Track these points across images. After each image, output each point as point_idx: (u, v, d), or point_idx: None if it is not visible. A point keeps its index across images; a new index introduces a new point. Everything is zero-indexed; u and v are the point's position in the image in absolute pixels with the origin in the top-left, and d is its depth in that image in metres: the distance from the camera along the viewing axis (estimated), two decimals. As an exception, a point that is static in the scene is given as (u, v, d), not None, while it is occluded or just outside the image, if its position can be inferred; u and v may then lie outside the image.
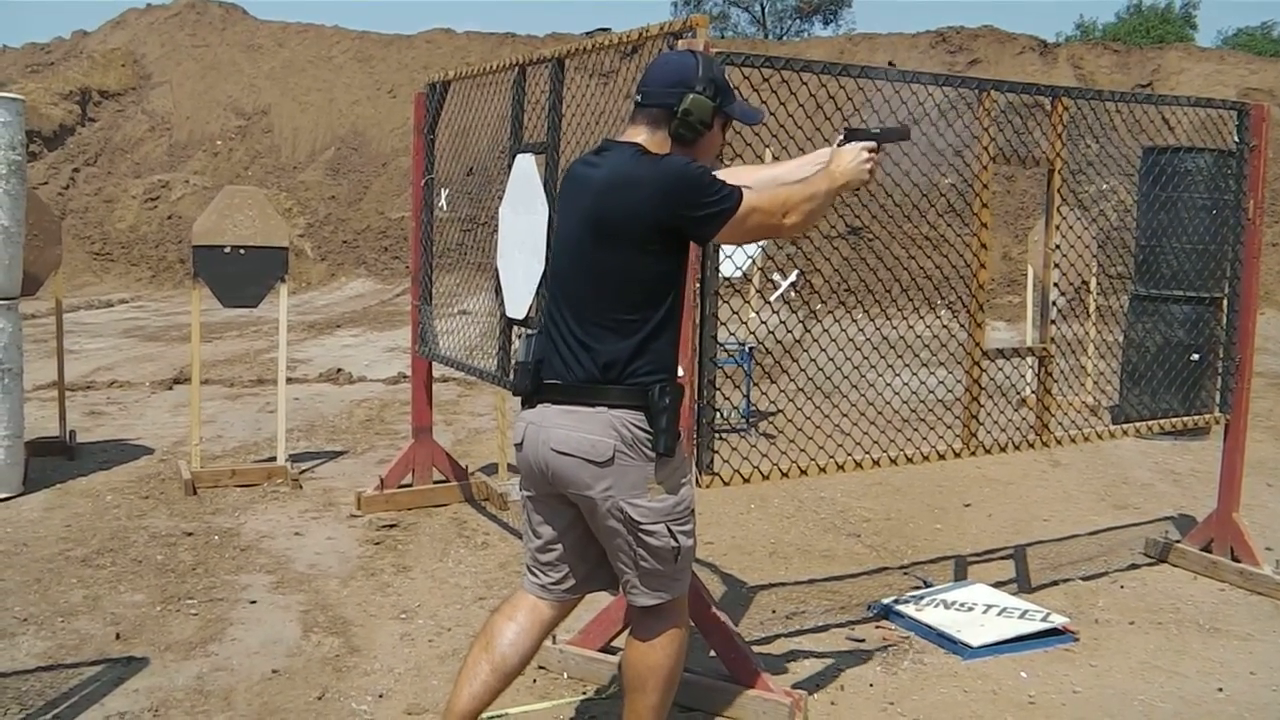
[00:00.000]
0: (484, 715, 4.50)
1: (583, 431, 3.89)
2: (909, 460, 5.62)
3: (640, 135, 4.00)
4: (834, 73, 5.32)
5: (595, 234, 3.90)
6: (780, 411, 5.64)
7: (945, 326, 6.82)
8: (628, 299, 3.90)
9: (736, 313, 5.35)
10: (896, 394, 6.43)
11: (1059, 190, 6.15)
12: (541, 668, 5.30)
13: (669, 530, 3.95)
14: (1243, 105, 6.96)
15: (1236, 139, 6.88)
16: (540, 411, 3.99)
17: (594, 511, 3.95)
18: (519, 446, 4.07)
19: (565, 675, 5.24)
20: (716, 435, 5.08)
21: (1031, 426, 6.13)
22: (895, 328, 7.13)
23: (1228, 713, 5.14)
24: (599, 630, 5.25)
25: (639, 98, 4.02)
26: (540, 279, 6.27)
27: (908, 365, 6.33)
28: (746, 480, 5.15)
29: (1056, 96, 6.13)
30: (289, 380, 10.30)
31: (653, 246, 3.87)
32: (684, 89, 3.95)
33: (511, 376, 4.19)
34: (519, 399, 4.09)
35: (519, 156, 6.58)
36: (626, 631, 4.26)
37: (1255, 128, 6.82)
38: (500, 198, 6.75)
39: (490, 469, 8.72)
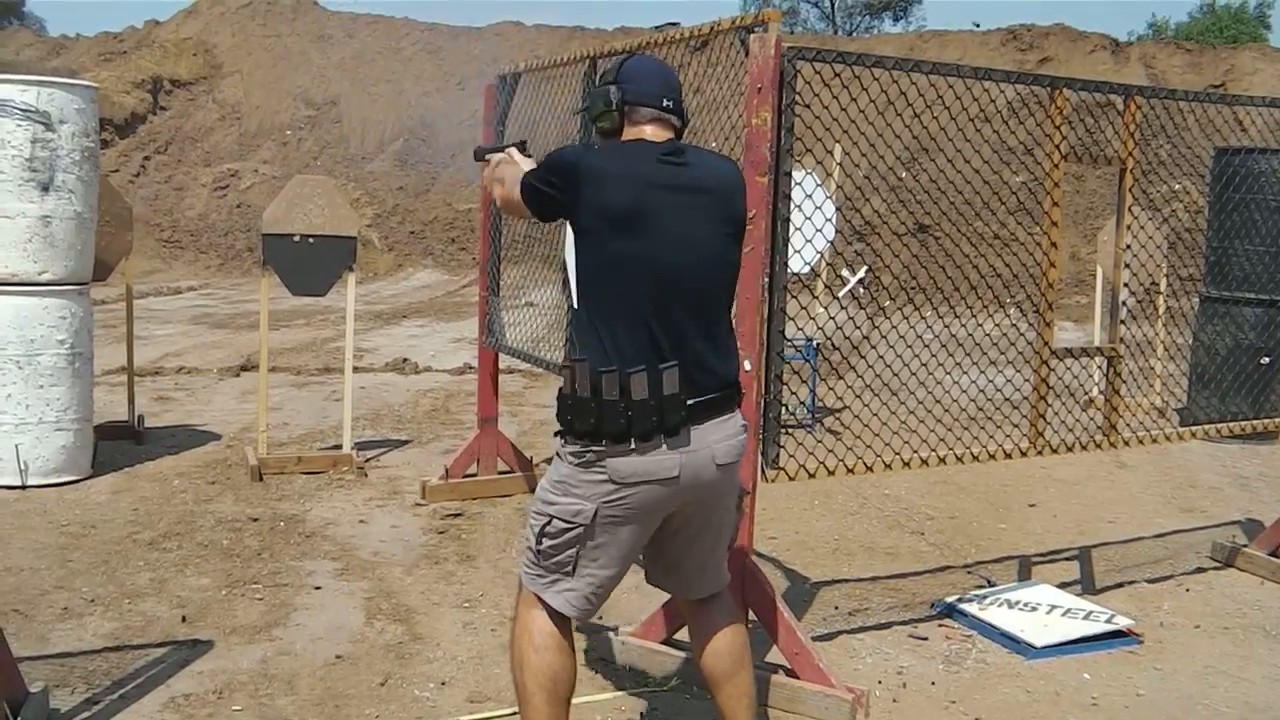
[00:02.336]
0: None
1: (737, 438, 3.92)
2: (974, 459, 5.60)
3: (669, 136, 4.02)
4: (905, 69, 5.30)
5: (730, 233, 3.96)
6: (847, 408, 5.62)
7: (1014, 325, 6.78)
8: (731, 297, 4.04)
9: (805, 308, 5.34)
10: (964, 392, 6.41)
11: (1130, 190, 6.10)
12: (603, 659, 5.32)
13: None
14: (1319, 106, 6.89)
15: (1312, 141, 6.81)
16: (698, 436, 3.79)
17: (722, 506, 4.01)
18: (670, 481, 3.76)
19: (627, 667, 5.25)
20: (782, 430, 5.09)
21: (1099, 427, 6.09)
22: (964, 325, 7.11)
23: (1294, 719, 5.10)
24: (662, 622, 5.25)
25: (669, 104, 4.01)
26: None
27: (975, 364, 6.30)
28: (812, 475, 5.16)
29: (1130, 95, 6.09)
30: (356, 369, 10.35)
31: (740, 237, 4.03)
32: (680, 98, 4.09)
33: (635, 418, 3.70)
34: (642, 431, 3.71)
35: (587, 149, 6.58)
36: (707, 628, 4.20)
37: (1331, 129, 6.75)
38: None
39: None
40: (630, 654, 5.27)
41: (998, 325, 6.98)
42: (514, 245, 7.97)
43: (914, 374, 5.79)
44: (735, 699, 4.13)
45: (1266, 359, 9.30)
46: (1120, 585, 6.72)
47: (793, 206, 4.98)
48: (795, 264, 5.12)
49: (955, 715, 4.96)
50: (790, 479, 5.09)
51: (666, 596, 5.29)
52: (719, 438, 3.84)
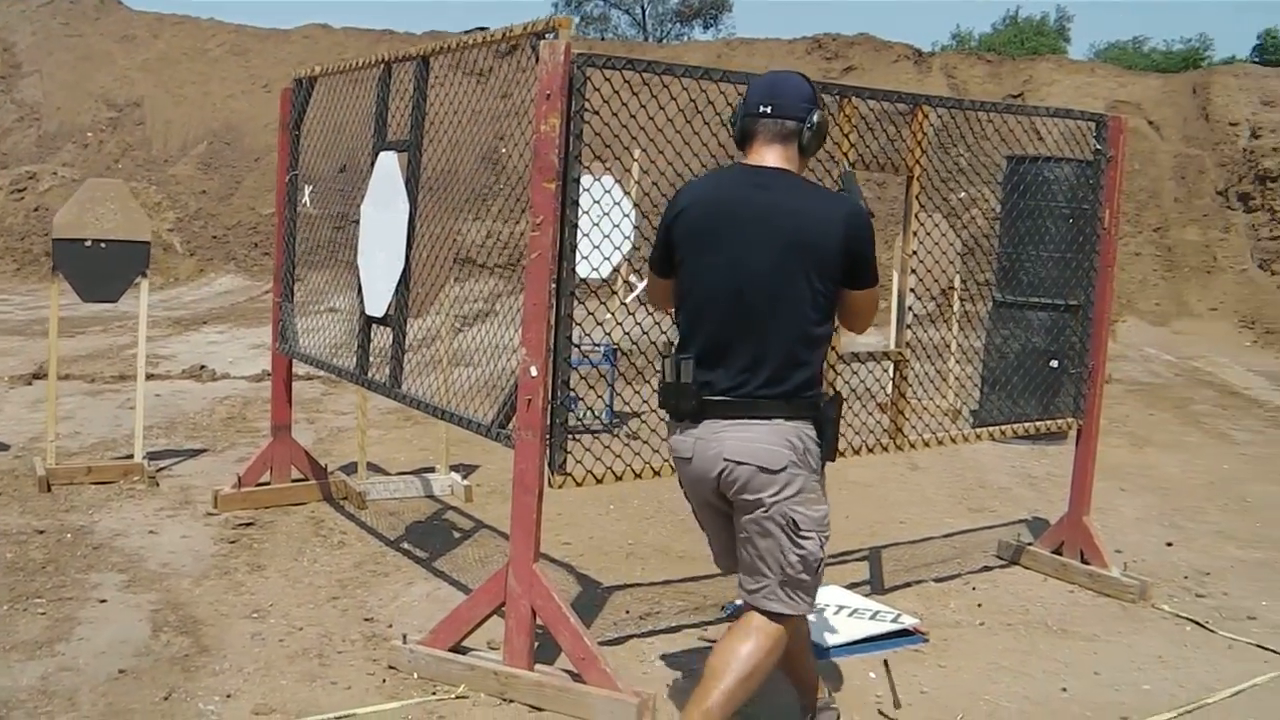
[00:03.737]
0: (331, 715, 4.53)
1: (757, 443, 4.19)
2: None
3: (775, 155, 4.34)
4: (695, 76, 5.33)
5: (800, 263, 4.19)
6: (654, 411, 5.66)
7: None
8: (808, 320, 4.24)
9: (592, 314, 5.37)
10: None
11: (917, 197, 6.21)
12: (391, 667, 5.28)
13: (819, 540, 4.29)
14: (1100, 117, 7.08)
15: (1095, 149, 6.99)
16: (712, 428, 4.26)
17: (747, 511, 4.27)
18: (684, 460, 4.37)
19: (415, 675, 5.21)
20: (571, 436, 5.10)
21: (885, 430, 6.19)
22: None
23: (1071, 712, 5.24)
24: (449, 630, 5.23)
25: (767, 109, 4.33)
26: (400, 277, 6.23)
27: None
28: (599, 480, 5.18)
29: (917, 104, 6.20)
30: (151, 377, 10.16)
31: (834, 274, 4.23)
32: (811, 105, 4.37)
33: (664, 397, 4.40)
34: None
35: (382, 154, 6.55)
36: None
37: (1112, 139, 6.94)
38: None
39: (350, 468, 8.64)
40: (419, 662, 5.23)
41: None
42: (318, 250, 7.88)
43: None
44: (719, 657, 4.33)
45: (1055, 362, 9.54)
46: (909, 585, 6.85)
47: (580, 213, 4.99)
48: (583, 270, 5.13)
49: (741, 716, 5.01)
50: (577, 484, 5.11)
51: (455, 605, 5.30)
52: (732, 436, 4.21)
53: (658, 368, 4.47)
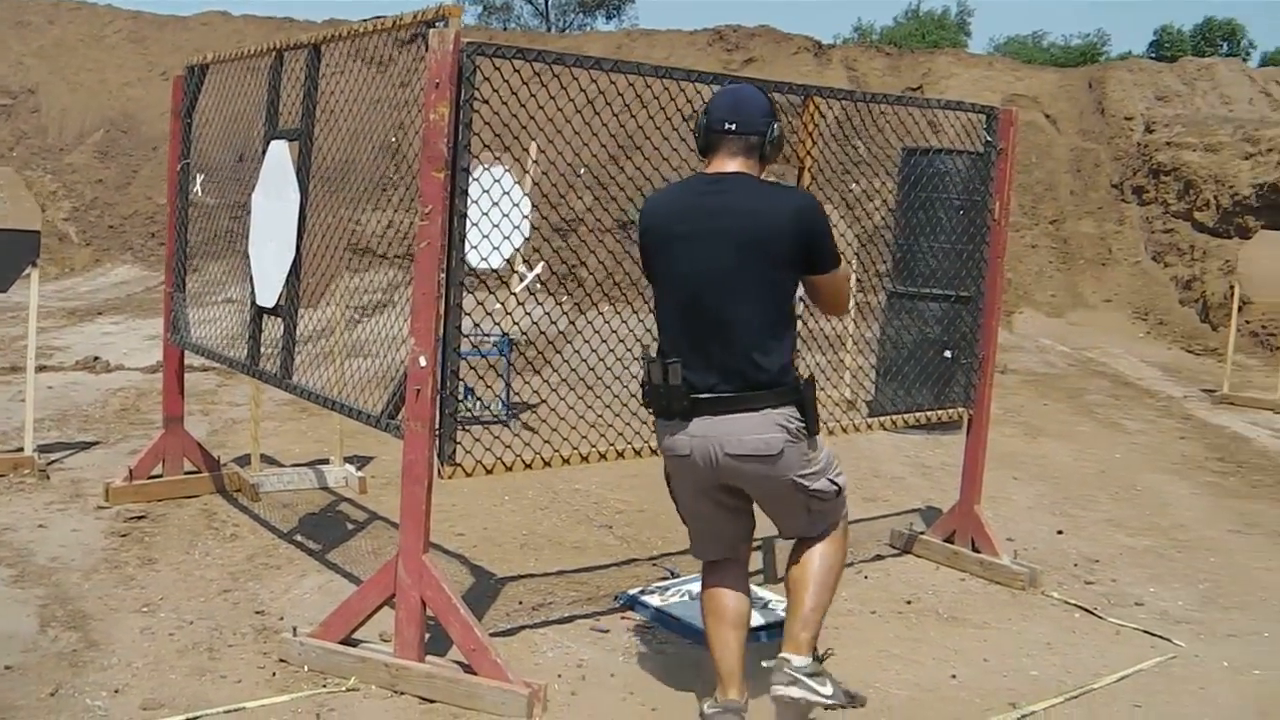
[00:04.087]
0: (221, 709, 4.60)
1: (752, 435, 4.50)
2: (653, 452, 5.64)
3: (736, 164, 4.63)
4: (586, 66, 5.34)
5: (756, 254, 4.47)
6: (544, 402, 5.70)
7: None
8: (773, 311, 4.57)
9: (481, 304, 5.38)
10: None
11: (808, 188, 6.25)
12: (282, 661, 5.25)
13: (827, 480, 4.72)
14: (991, 109, 7.14)
15: (985, 141, 7.05)
16: (704, 425, 4.53)
17: (766, 489, 4.68)
18: (683, 458, 4.62)
19: (306, 668, 5.18)
20: (462, 427, 5.10)
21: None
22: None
23: (959, 698, 5.30)
24: (340, 622, 5.20)
25: (731, 126, 4.62)
26: (291, 267, 6.19)
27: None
28: (489, 471, 5.19)
29: (808, 95, 6.24)
30: (44, 368, 10.01)
31: (793, 263, 4.55)
32: (771, 119, 4.67)
33: (652, 399, 4.65)
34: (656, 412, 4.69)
35: (273, 143, 6.50)
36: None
37: (1003, 131, 7.00)
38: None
39: (244, 460, 8.55)
40: (309, 655, 5.20)
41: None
42: (216, 240, 7.81)
43: (609, 369, 5.84)
44: (794, 579, 4.78)
45: (949, 353, 9.62)
46: (802, 574, 6.88)
47: (470, 202, 4.98)
48: (473, 259, 5.12)
49: (633, 706, 5.03)
50: (467, 474, 5.11)
51: (345, 596, 5.28)
52: (728, 431, 4.50)
53: (634, 372, 4.80)
